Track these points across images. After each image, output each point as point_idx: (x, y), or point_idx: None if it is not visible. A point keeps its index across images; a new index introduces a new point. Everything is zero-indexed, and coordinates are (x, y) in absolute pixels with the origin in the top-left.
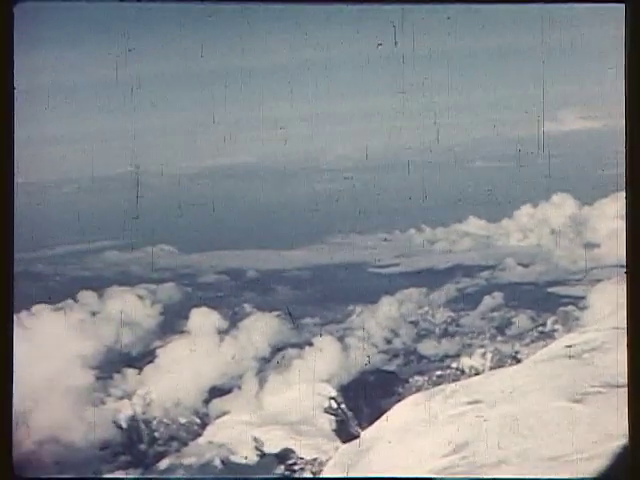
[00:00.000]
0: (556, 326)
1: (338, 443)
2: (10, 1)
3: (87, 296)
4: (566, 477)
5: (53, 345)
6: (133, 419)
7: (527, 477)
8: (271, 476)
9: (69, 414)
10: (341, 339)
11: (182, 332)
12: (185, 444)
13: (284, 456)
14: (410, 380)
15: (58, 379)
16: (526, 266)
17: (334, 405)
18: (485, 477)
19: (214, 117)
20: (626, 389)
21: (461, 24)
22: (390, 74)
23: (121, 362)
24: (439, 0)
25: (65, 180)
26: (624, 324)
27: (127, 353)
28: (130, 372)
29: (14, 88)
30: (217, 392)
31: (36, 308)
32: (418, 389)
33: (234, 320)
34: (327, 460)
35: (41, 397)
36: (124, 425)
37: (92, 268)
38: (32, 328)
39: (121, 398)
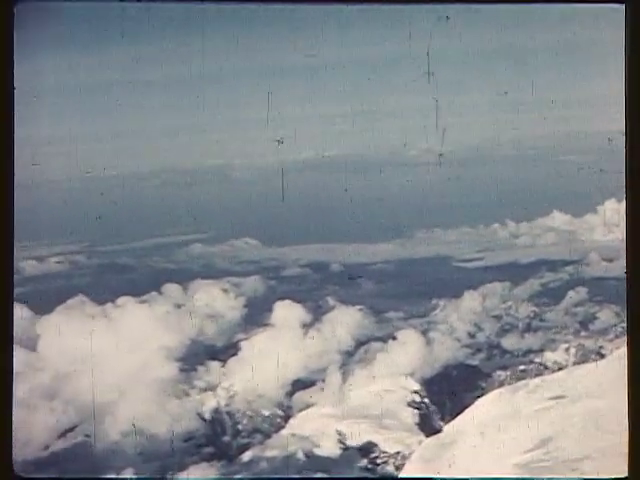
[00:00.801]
0: None
1: (421, 437)
2: (10, 1)
3: (171, 289)
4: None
5: (137, 337)
6: (217, 411)
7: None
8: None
9: (153, 406)
10: (424, 333)
11: (266, 325)
12: (268, 436)
13: (367, 449)
14: (493, 375)
15: (142, 371)
16: (610, 261)
17: (417, 399)
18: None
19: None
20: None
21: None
22: (479, 72)
23: (205, 354)
24: (439, 0)
25: (147, 174)
26: None
27: (211, 345)
28: (214, 364)
29: (14, 88)
30: (301, 385)
31: (121, 300)
32: (501, 384)
33: (318, 313)
34: (410, 454)
35: (126, 388)
36: (208, 417)
37: (176, 261)
38: (117, 320)
39: (205, 390)
